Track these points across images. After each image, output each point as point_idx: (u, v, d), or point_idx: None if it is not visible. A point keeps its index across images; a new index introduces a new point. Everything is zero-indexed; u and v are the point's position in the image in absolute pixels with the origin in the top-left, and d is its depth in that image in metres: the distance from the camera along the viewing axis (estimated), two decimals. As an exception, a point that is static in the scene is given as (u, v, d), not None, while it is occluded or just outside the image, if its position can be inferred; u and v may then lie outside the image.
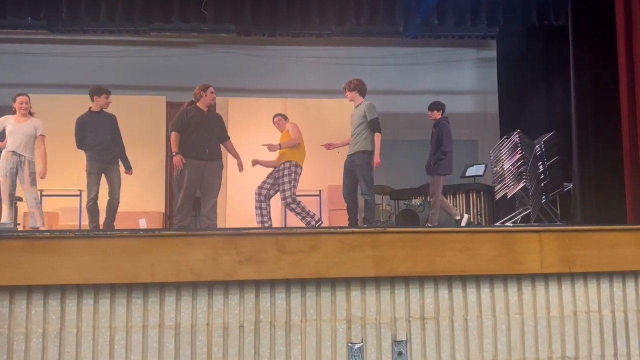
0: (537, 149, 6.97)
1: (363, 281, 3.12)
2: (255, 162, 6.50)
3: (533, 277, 3.25)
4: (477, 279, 3.20)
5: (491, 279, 3.22)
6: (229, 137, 6.26)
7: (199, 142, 5.78)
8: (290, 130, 6.42)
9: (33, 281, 2.88)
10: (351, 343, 3.07)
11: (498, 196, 7.20)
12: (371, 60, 9.46)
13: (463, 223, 6.58)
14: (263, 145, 6.31)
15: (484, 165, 8.42)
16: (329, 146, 6.56)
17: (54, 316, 2.93)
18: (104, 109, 6.31)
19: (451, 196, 8.42)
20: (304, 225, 6.18)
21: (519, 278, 3.24)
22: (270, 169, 6.47)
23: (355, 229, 3.14)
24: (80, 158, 6.32)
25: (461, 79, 10.25)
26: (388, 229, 3.16)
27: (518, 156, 6.89)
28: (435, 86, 9.56)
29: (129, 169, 6.43)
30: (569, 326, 3.25)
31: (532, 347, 3.20)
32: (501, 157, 7.18)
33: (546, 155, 6.94)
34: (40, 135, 6.11)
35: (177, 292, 3.01)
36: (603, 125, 6.39)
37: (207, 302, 3.02)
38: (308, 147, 6.59)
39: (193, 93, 5.97)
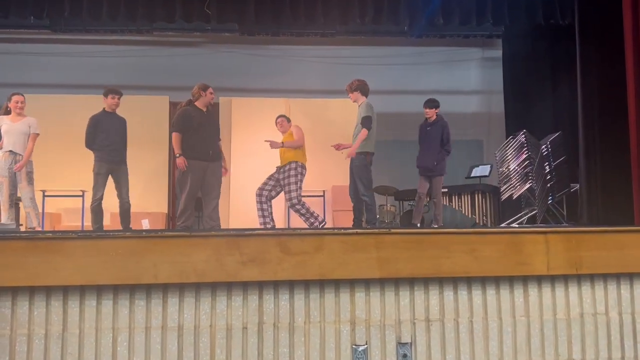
0: (543, 149, 6.95)
1: (367, 283, 3.12)
2: (272, 143, 6.26)
3: (539, 279, 3.24)
4: (483, 280, 3.20)
5: (497, 280, 3.22)
6: (220, 138, 6.27)
7: (201, 143, 5.78)
8: (295, 132, 6.42)
9: (35, 282, 2.89)
10: (355, 345, 3.07)
11: (504, 197, 7.18)
12: (375, 59, 9.46)
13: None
14: (265, 140, 6.29)
15: (489, 166, 8.40)
16: (338, 146, 6.50)
17: (56, 317, 2.94)
18: (112, 110, 6.35)
19: (456, 197, 8.41)
20: (308, 227, 6.18)
21: (525, 280, 3.24)
22: (271, 170, 6.47)
23: (359, 230, 3.14)
24: (82, 159, 6.33)
25: (466, 78, 10.23)
26: (392, 230, 3.16)
27: (524, 156, 6.87)
28: (441, 86, 9.54)
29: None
30: (576, 329, 3.24)
31: (538, 350, 3.20)
32: (507, 157, 7.16)
33: (552, 155, 6.92)
34: (34, 133, 6.14)
35: (180, 293, 3.02)
36: (610, 126, 6.37)
37: (210, 303, 3.03)
38: (312, 148, 6.59)
39: (191, 92, 5.97)
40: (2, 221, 5.89)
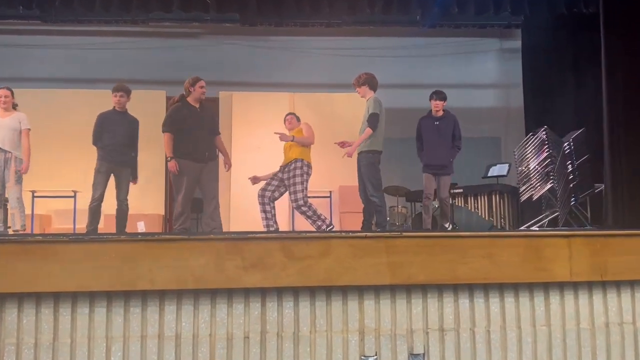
0: (565, 147, 6.93)
1: (377, 289, 3.12)
2: (254, 179, 6.50)
3: (561, 286, 3.23)
4: (501, 287, 3.19)
5: (516, 287, 3.21)
6: (219, 133, 6.26)
7: (195, 143, 5.77)
8: (305, 129, 6.43)
9: (24, 288, 2.90)
10: (364, 356, 3.07)
11: (523, 198, 7.15)
12: (385, 51, 9.44)
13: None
14: (275, 133, 6.31)
15: (507, 165, 8.38)
16: (342, 144, 6.45)
17: (46, 326, 2.95)
18: (121, 109, 6.39)
19: (472, 198, 8.39)
20: (314, 230, 6.18)
21: (546, 287, 3.23)
22: (274, 168, 6.48)
23: (368, 234, 3.15)
24: (75, 157, 6.37)
25: (483, 71, 10.21)
26: (404, 234, 3.16)
27: (545, 155, 6.85)
28: (455, 79, 9.51)
29: (134, 178, 6.53)
30: (601, 339, 3.23)
31: (560, 362, 3.19)
32: (526, 155, 7.14)
33: (575, 153, 6.89)
34: (26, 129, 6.16)
35: (177, 300, 3.03)
36: (637, 121, 6.36)
37: (209, 311, 3.04)
38: (317, 145, 6.59)
39: (184, 87, 5.96)
40: (-11, 224, 5.93)
